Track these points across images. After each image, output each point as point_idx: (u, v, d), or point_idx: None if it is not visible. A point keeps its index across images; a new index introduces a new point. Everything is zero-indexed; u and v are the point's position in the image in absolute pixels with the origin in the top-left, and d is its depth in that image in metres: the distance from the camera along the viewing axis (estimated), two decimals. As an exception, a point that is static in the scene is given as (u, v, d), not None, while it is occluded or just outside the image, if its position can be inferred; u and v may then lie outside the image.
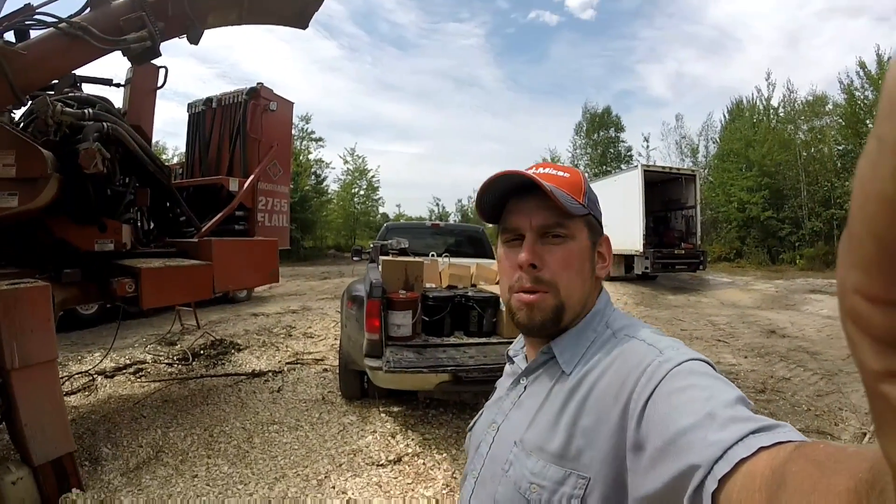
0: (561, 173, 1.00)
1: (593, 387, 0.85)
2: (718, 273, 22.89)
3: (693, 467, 0.58)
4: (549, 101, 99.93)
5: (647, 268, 16.38)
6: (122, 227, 4.51)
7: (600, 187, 19.90)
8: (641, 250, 16.34)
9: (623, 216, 17.08)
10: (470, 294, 5.17)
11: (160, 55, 3.81)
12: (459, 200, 57.83)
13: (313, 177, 37.97)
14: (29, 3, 3.50)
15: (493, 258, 6.94)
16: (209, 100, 6.57)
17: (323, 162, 39.71)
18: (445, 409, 5.27)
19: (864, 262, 0.24)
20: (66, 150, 3.98)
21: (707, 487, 0.55)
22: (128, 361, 7.17)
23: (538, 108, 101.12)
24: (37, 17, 3.51)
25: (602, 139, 43.95)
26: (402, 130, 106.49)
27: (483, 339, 4.93)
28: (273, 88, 6.38)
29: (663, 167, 18.93)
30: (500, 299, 4.81)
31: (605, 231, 1.04)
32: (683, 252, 17.20)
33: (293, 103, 6.93)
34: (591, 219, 0.99)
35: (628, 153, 43.50)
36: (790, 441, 0.54)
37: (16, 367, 3.39)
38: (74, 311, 9.27)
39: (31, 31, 3.63)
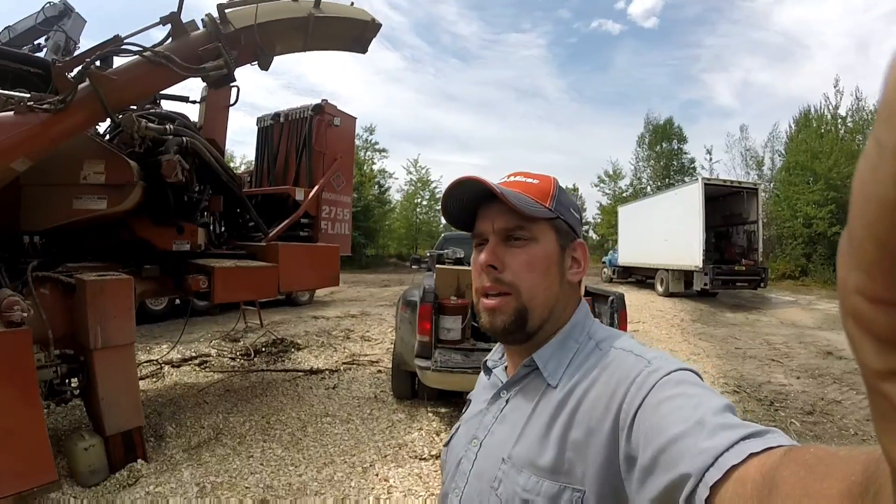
0: (530, 180, 1.01)
1: (582, 399, 0.85)
2: (781, 291, 22.12)
3: (684, 476, 0.59)
4: (613, 111, 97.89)
5: (706, 284, 16.09)
6: (197, 230, 5.00)
7: (660, 201, 19.70)
8: (701, 266, 16.05)
9: (683, 231, 16.93)
10: None
11: (235, 80, 4.24)
12: (521, 212, 57.44)
13: (376, 186, 38.73)
14: (117, 35, 3.92)
15: None
16: (277, 115, 7.04)
17: (386, 172, 40.49)
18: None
19: (864, 263, 0.24)
20: (149, 161, 4.48)
21: (699, 495, 0.56)
22: (193, 354, 7.74)
23: (602, 118, 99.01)
24: (124, 46, 3.93)
25: (665, 151, 42.87)
26: (464, 141, 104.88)
27: None
28: (336, 100, 6.79)
29: (724, 180, 18.46)
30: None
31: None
32: (744, 268, 16.79)
33: (355, 118, 7.31)
34: (561, 223, 0.99)
35: (692, 166, 42.27)
36: (780, 446, 0.55)
37: (98, 347, 3.87)
38: (144, 305, 9.95)
39: (117, 59, 4.09)
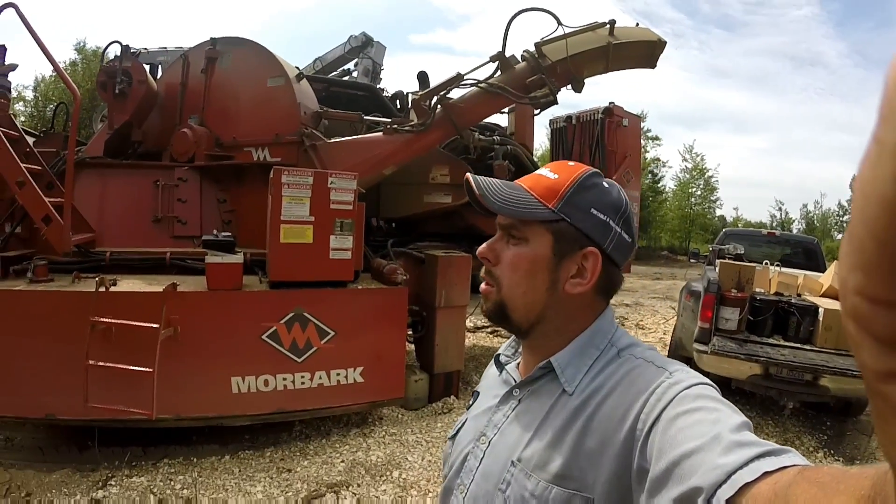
0: (551, 175, 0.96)
1: (599, 407, 0.84)
2: None
3: (696, 489, 0.59)
4: (910, 77, 79.90)
5: None
6: (517, 220, 6.23)
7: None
8: None
9: None
10: (793, 301, 5.64)
11: (557, 104, 5.22)
12: (805, 205, 49.18)
13: (650, 175, 37.42)
14: (458, 72, 5.03)
15: (824, 271, 7.06)
16: (569, 117, 7.91)
17: (660, 161, 38.59)
18: (751, 406, 5.82)
19: (865, 263, 0.24)
20: (479, 165, 5.76)
21: None
22: (483, 324, 8.94)
23: None
24: (465, 80, 5.05)
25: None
26: (741, 121, 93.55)
27: (797, 345, 5.41)
28: (601, 86, 7.47)
29: None
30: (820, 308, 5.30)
31: None
32: None
33: (640, 118, 7.95)
34: (564, 227, 0.92)
35: None
36: (794, 465, 0.56)
37: (441, 306, 5.19)
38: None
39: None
